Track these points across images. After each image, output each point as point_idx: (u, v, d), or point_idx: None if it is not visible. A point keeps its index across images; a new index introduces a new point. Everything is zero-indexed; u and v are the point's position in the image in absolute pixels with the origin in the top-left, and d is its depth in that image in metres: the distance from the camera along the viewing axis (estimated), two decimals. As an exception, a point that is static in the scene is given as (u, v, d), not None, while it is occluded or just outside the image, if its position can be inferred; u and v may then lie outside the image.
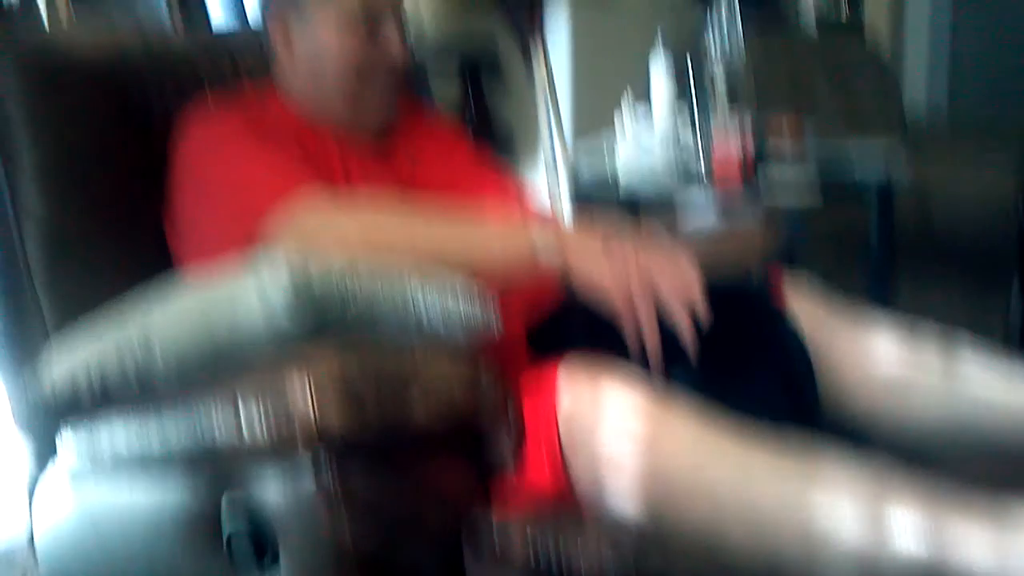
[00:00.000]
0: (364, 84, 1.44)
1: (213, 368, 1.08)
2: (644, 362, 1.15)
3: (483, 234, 1.25)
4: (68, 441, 1.26)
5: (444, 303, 1.10)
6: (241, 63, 1.63)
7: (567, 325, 1.31)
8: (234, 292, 1.05)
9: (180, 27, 2.64)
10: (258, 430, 0.97)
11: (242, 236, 1.24)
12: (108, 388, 1.16)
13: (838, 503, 0.99)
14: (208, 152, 1.36)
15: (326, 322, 1.02)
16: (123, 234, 1.41)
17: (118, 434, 1.17)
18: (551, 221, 1.23)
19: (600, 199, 2.27)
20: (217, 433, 1.02)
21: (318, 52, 1.43)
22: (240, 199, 1.30)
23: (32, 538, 1.37)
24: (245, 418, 0.99)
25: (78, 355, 1.19)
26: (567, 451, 1.09)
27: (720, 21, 2.28)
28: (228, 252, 1.22)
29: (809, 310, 1.40)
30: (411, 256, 1.18)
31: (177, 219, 1.39)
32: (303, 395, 0.94)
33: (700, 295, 1.15)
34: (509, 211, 1.49)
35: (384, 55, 1.43)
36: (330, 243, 1.20)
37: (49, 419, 1.27)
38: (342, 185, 1.36)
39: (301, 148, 1.38)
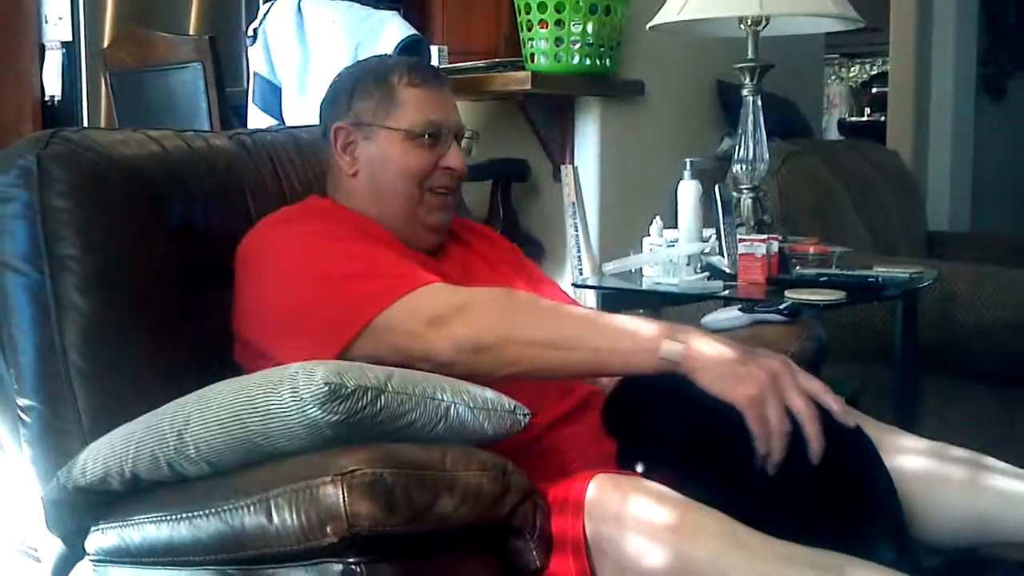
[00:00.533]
0: (424, 195, 1.50)
1: (246, 464, 1.09)
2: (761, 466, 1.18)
3: (614, 324, 1.27)
4: (98, 536, 1.27)
5: (473, 398, 1.12)
6: (278, 162, 1.69)
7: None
8: (267, 389, 1.07)
9: (218, 127, 2.73)
10: (290, 524, 0.99)
11: (357, 322, 1.26)
12: (141, 485, 1.18)
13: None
14: (307, 248, 1.38)
15: (358, 416, 1.03)
16: (158, 331, 1.43)
17: (149, 529, 1.18)
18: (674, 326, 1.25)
19: (624, 294, 2.28)
20: (249, 526, 1.03)
21: (383, 165, 1.50)
22: (355, 286, 1.31)
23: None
24: (276, 512, 1.00)
25: (112, 452, 1.20)
26: (593, 546, 1.10)
27: (747, 144, 2.33)
28: (342, 339, 1.25)
29: None
30: (540, 338, 1.22)
31: (269, 317, 1.38)
32: (335, 491, 0.96)
33: (832, 398, 1.19)
34: None
35: (447, 168, 1.50)
36: (460, 324, 1.23)
37: (80, 515, 1.28)
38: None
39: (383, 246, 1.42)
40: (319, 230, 1.41)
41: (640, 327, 1.24)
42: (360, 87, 1.52)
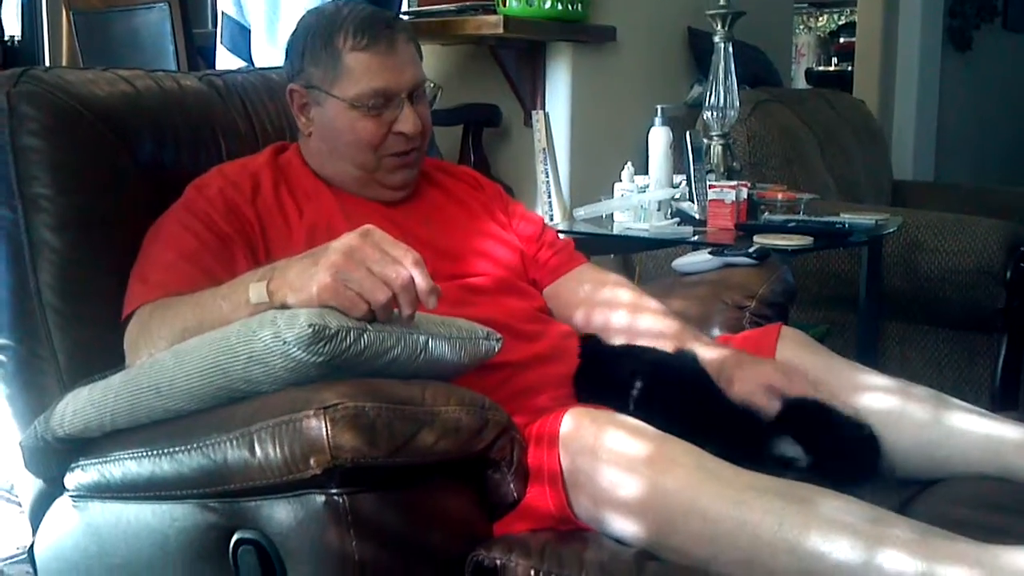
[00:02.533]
0: (380, 159, 1.48)
1: (228, 400, 1.10)
2: None
3: (218, 295, 1.21)
4: (78, 472, 1.27)
5: (448, 329, 1.14)
6: (249, 103, 1.68)
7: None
8: (248, 335, 1.07)
9: (185, 69, 2.69)
10: (273, 457, 1.00)
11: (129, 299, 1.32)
12: (120, 426, 1.19)
13: (831, 523, 1.02)
14: (167, 214, 1.42)
15: (343, 356, 1.04)
16: (130, 269, 1.43)
17: (130, 465, 1.18)
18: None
19: (595, 239, 2.31)
20: (232, 460, 1.04)
21: (334, 133, 1.47)
22: (140, 266, 1.36)
23: (32, 552, 1.39)
24: (260, 446, 1.02)
25: (91, 406, 1.20)
26: (568, 478, 1.13)
27: (717, 91, 2.34)
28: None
29: (802, 354, 1.45)
30: (171, 335, 1.21)
31: None
32: (319, 424, 0.98)
33: (420, 272, 1.13)
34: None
35: (400, 133, 1.46)
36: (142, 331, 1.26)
37: (59, 459, 1.28)
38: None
39: (290, 215, 1.43)
40: (186, 218, 1.39)
41: (236, 284, 1.19)
42: (309, 49, 1.47)
